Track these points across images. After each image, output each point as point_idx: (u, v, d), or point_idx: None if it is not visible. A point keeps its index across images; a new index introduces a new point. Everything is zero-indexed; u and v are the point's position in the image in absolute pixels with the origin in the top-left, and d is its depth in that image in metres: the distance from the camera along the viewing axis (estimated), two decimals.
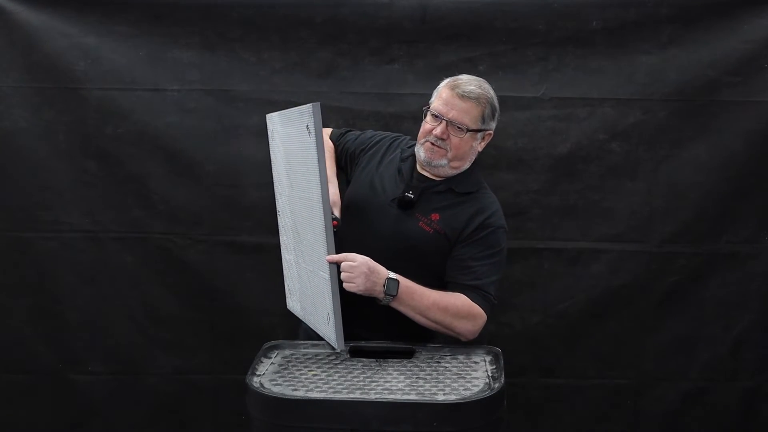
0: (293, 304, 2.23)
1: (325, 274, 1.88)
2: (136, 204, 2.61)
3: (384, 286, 1.92)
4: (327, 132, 2.32)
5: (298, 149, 1.95)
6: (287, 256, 2.22)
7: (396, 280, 1.93)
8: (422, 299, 1.96)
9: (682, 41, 2.54)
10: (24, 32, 2.53)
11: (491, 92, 2.08)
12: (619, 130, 2.58)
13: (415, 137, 2.19)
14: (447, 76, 2.18)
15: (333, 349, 1.92)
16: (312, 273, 1.99)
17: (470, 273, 2.02)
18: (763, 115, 2.55)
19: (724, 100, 2.55)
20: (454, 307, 1.98)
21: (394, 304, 1.95)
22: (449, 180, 2.10)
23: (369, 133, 2.31)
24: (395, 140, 2.25)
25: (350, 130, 2.35)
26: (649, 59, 2.55)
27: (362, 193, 2.13)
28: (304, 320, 2.15)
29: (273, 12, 2.54)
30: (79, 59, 2.55)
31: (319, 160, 1.82)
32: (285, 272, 2.27)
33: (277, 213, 2.26)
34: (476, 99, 2.03)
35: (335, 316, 1.86)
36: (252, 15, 2.55)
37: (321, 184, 1.84)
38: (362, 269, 1.90)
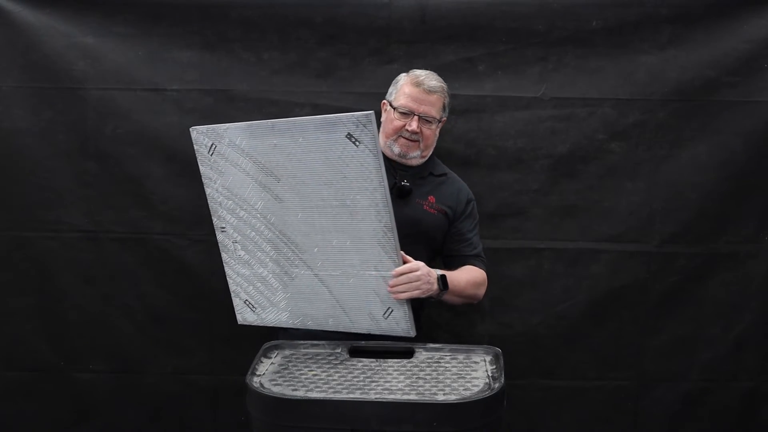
0: (268, 315, 2.17)
1: (383, 272, 1.94)
2: (136, 204, 2.61)
3: (437, 283, 2.02)
4: None
5: (316, 159, 1.91)
6: (258, 271, 2.13)
7: (443, 274, 2.04)
8: (460, 282, 2.11)
9: (682, 41, 2.54)
10: (24, 32, 2.53)
11: (445, 83, 2.25)
12: (618, 130, 2.58)
13: None
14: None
15: (334, 349, 1.91)
16: (343, 276, 1.98)
17: (470, 245, 2.25)
18: (763, 115, 2.55)
19: (724, 100, 2.55)
20: (476, 279, 2.20)
21: (445, 297, 2.07)
22: (425, 166, 2.25)
23: None
24: None
25: None
26: (649, 59, 2.55)
27: None
28: (303, 327, 2.12)
29: (273, 12, 2.54)
30: (78, 59, 2.55)
31: (380, 167, 1.86)
32: (239, 288, 2.18)
33: (220, 230, 2.18)
34: (440, 92, 2.22)
35: (407, 305, 1.97)
36: (252, 15, 2.54)
37: (384, 188, 1.87)
38: (424, 272, 1.97)
